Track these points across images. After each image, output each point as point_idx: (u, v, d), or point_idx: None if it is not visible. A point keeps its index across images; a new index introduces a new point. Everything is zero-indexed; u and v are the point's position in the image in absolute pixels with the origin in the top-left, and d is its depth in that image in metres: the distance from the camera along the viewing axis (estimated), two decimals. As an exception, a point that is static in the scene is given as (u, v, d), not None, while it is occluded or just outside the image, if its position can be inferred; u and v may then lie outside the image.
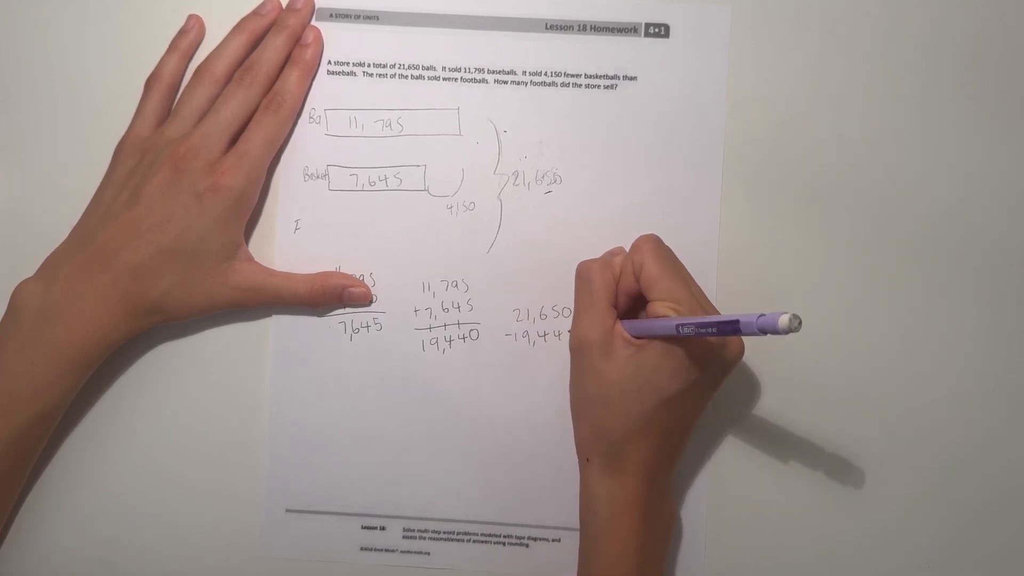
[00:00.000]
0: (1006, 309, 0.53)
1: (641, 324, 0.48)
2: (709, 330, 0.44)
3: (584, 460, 0.50)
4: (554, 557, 0.53)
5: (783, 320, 0.40)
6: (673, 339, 0.47)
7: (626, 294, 0.50)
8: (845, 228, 0.54)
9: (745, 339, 0.49)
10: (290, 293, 0.53)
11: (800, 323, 0.40)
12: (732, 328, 0.43)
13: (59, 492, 0.54)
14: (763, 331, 0.41)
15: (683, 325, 0.45)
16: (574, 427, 0.51)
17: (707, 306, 0.49)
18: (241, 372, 0.54)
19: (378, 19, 0.55)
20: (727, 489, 0.53)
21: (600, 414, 0.49)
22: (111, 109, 0.55)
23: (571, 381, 0.51)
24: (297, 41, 0.54)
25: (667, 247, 0.50)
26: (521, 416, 0.54)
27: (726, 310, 0.51)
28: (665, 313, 0.47)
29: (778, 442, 0.54)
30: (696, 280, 0.50)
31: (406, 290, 0.54)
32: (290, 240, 0.54)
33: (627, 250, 0.51)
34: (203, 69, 0.53)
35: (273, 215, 0.54)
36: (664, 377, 0.47)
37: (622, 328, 0.49)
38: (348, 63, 0.55)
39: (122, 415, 0.54)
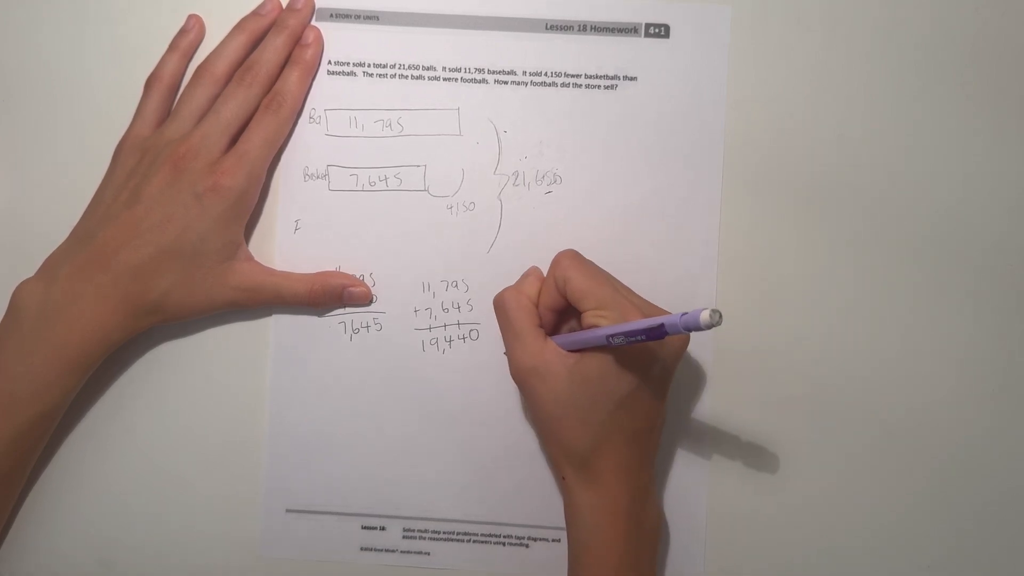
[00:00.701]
0: (1006, 309, 0.53)
1: (574, 338, 0.48)
2: (638, 338, 0.44)
3: (561, 479, 0.50)
4: (554, 557, 0.53)
5: (704, 316, 0.40)
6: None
7: (550, 309, 0.50)
8: (845, 228, 0.54)
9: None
10: (290, 293, 0.53)
11: (720, 317, 0.40)
12: (658, 332, 0.43)
13: (59, 492, 0.54)
14: (688, 329, 0.41)
15: (613, 336, 0.45)
16: (544, 450, 0.51)
17: (639, 303, 0.48)
18: (241, 372, 0.54)
19: (378, 19, 0.55)
20: (726, 490, 0.53)
21: (560, 431, 0.48)
22: (111, 109, 0.55)
23: (526, 409, 0.51)
24: (297, 41, 0.54)
25: (586, 258, 0.49)
26: (521, 416, 0.54)
27: (726, 310, 0.51)
28: (596, 323, 0.47)
29: (777, 442, 0.53)
30: (696, 280, 0.50)
31: (406, 290, 0.54)
32: (290, 240, 0.54)
33: (540, 269, 0.51)
34: (203, 69, 0.53)
35: (273, 215, 0.54)
36: (612, 380, 0.47)
37: (554, 345, 0.48)
38: (348, 63, 0.55)
39: (122, 415, 0.54)
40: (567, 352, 0.48)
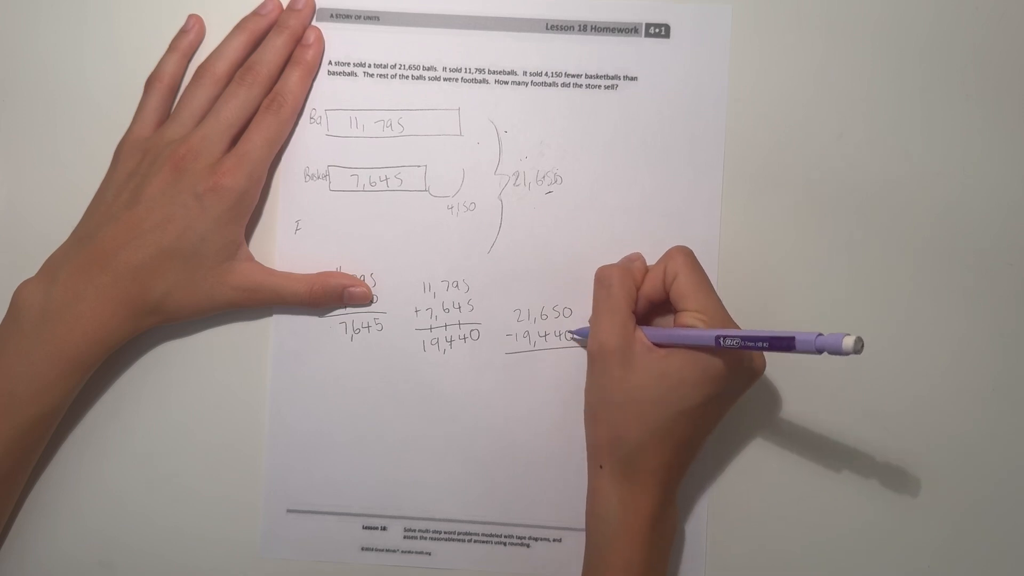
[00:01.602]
0: (1004, 308, 0.53)
1: (669, 332, 0.48)
2: (760, 344, 0.44)
3: (597, 467, 0.50)
4: (555, 557, 0.53)
5: (847, 342, 0.39)
6: (700, 350, 0.47)
7: (648, 299, 0.50)
8: (845, 228, 0.54)
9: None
10: (290, 293, 0.53)
11: (863, 347, 0.40)
12: (786, 344, 0.42)
13: (59, 492, 0.54)
14: (821, 350, 0.41)
15: (726, 337, 0.45)
16: (588, 432, 0.51)
17: (729, 321, 0.49)
18: (241, 372, 0.54)
19: (378, 19, 0.55)
20: (726, 490, 0.54)
21: (618, 420, 0.49)
22: (111, 109, 0.55)
23: (588, 386, 0.51)
24: (298, 41, 0.54)
25: (697, 260, 0.50)
26: (522, 416, 0.54)
27: (728, 310, 0.52)
28: (693, 324, 0.47)
29: (776, 444, 0.54)
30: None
31: (407, 290, 0.54)
32: (291, 240, 0.54)
33: (644, 256, 0.52)
34: (203, 69, 0.53)
35: (274, 215, 0.54)
36: (687, 387, 0.47)
37: (643, 335, 0.49)
38: (348, 63, 0.55)
39: (122, 415, 0.54)
40: (652, 345, 0.48)
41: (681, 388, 0.47)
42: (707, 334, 0.46)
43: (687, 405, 0.47)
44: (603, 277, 0.51)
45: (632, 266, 0.51)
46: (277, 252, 0.54)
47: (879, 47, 0.54)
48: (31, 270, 0.52)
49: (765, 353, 0.48)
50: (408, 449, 0.54)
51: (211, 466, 0.54)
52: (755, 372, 0.49)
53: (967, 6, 0.54)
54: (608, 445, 0.49)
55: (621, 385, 0.48)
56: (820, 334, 0.41)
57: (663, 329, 0.49)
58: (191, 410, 0.54)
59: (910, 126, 0.54)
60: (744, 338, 0.44)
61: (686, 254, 0.50)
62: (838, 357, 0.53)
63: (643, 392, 0.48)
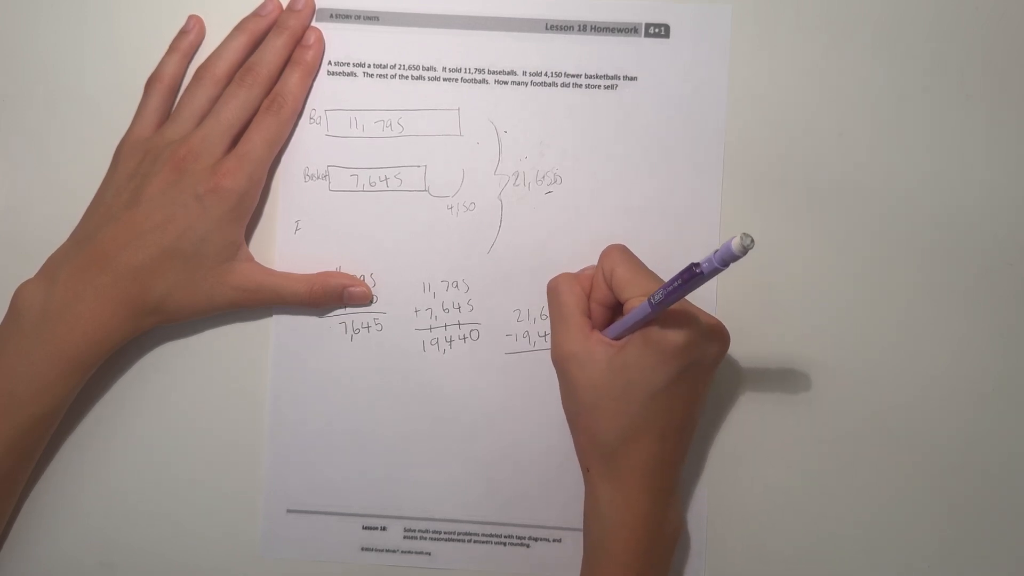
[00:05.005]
0: (1005, 308, 0.53)
1: (619, 323, 0.48)
2: (675, 283, 0.43)
3: (585, 471, 0.50)
4: (555, 557, 0.54)
5: (735, 243, 0.39)
6: (652, 329, 0.46)
7: (600, 304, 0.50)
8: (845, 228, 0.54)
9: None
10: (290, 293, 0.53)
11: (752, 241, 0.39)
12: (692, 273, 0.42)
13: (60, 492, 0.54)
14: (723, 262, 0.41)
15: (653, 296, 0.45)
16: (573, 439, 0.51)
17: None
18: (241, 372, 0.54)
19: (378, 19, 0.55)
20: (726, 490, 0.54)
21: (592, 420, 0.49)
22: (111, 109, 0.55)
23: (562, 396, 0.51)
24: (298, 42, 0.54)
25: (633, 253, 0.50)
26: (522, 416, 0.54)
27: (726, 310, 0.52)
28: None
29: (777, 442, 0.54)
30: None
31: (407, 290, 0.54)
32: (290, 241, 0.54)
33: (599, 266, 0.51)
34: (203, 70, 0.53)
35: (273, 216, 0.54)
36: (649, 370, 0.47)
37: (599, 334, 0.49)
38: (348, 63, 0.55)
39: (122, 415, 0.54)
40: (611, 341, 0.48)
41: (644, 373, 0.47)
42: (643, 305, 0.46)
43: (654, 389, 0.47)
44: (552, 287, 0.51)
45: (580, 273, 0.51)
46: (277, 252, 0.54)
47: (879, 47, 0.54)
48: (31, 270, 0.52)
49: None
50: (408, 449, 0.54)
51: (211, 466, 0.54)
52: (713, 335, 0.48)
53: (967, 6, 0.54)
54: (588, 447, 0.49)
55: (587, 387, 0.48)
56: (716, 250, 0.41)
57: (614, 324, 0.49)
58: (191, 410, 0.54)
59: (910, 126, 0.54)
60: (664, 288, 0.44)
61: (619, 248, 0.50)
62: (841, 353, 0.53)
63: (610, 388, 0.48)
